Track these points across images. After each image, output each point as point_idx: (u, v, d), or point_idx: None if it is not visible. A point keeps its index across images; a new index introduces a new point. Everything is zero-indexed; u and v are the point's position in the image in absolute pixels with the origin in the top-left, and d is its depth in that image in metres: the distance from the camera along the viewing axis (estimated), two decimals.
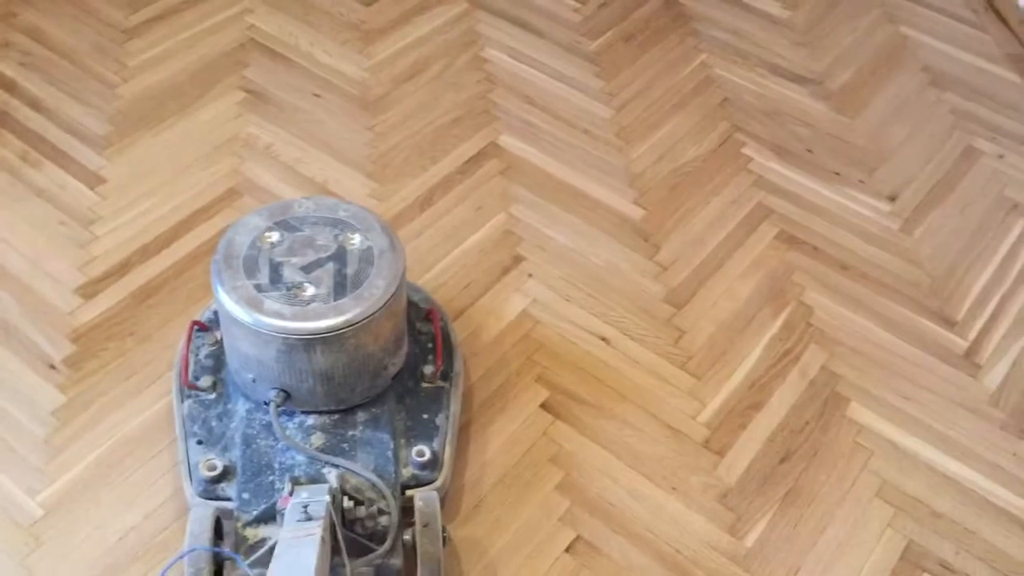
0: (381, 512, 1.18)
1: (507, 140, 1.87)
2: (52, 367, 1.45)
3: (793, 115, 1.98)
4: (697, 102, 1.99)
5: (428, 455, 1.27)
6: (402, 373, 1.35)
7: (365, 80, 1.96)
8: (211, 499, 1.23)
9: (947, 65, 2.13)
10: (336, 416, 1.29)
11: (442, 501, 1.27)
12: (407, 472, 1.26)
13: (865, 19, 2.24)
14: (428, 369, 1.36)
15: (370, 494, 1.20)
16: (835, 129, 1.96)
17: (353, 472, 1.21)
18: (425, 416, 1.32)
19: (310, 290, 1.23)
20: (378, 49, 2.03)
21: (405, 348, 1.36)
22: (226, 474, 1.25)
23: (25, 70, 1.91)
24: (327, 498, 1.09)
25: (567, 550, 1.30)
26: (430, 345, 1.40)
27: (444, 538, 1.19)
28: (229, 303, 1.22)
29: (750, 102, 2.00)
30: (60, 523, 1.28)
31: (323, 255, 1.27)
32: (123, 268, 1.59)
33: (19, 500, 1.30)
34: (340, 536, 1.11)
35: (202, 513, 1.17)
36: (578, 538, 1.31)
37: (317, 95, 1.92)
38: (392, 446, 1.26)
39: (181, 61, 1.96)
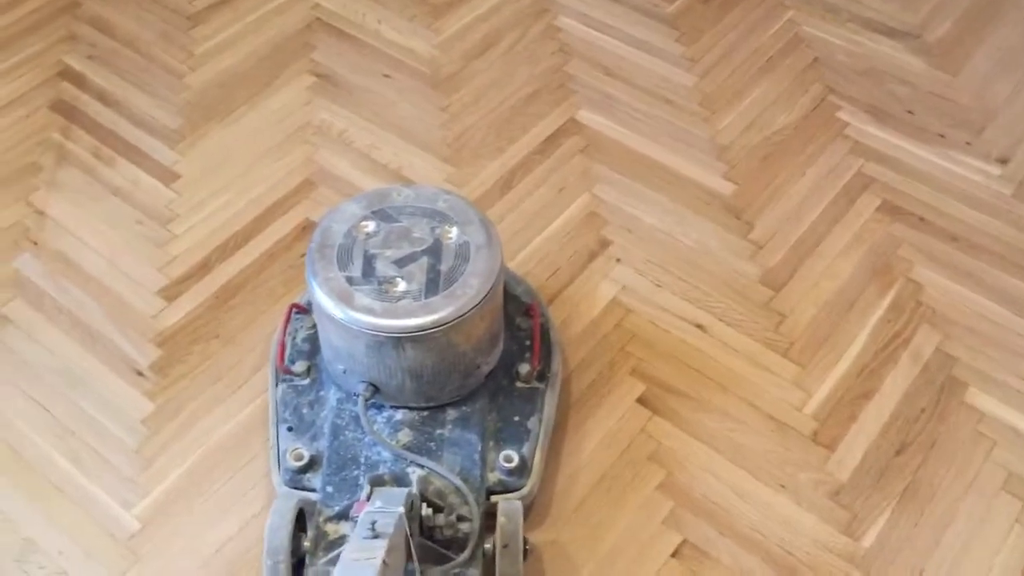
0: (461, 519, 1.14)
1: (586, 115, 1.79)
2: (139, 374, 1.43)
3: (890, 73, 1.86)
4: (785, 64, 1.88)
5: (516, 461, 1.22)
6: (496, 371, 1.30)
7: (435, 57, 1.89)
8: (297, 488, 1.22)
9: None
10: (425, 413, 1.25)
11: (528, 509, 1.22)
12: (493, 477, 1.22)
13: None
14: (524, 368, 1.31)
15: (452, 499, 1.16)
16: (936, 87, 1.83)
17: (438, 474, 1.17)
18: (517, 418, 1.27)
19: (402, 285, 1.19)
20: (447, 23, 1.95)
21: (500, 346, 1.31)
22: (313, 464, 1.23)
23: (93, 63, 1.88)
24: (400, 510, 1.04)
25: (673, 555, 1.25)
26: (528, 342, 1.34)
27: (526, 551, 1.14)
28: (320, 295, 1.19)
29: (843, 61, 1.88)
30: (156, 536, 1.27)
31: (418, 249, 1.23)
32: (203, 268, 1.56)
33: (115, 513, 1.29)
34: (413, 546, 1.08)
35: (284, 505, 1.15)
36: (684, 542, 1.26)
37: (387, 75, 1.85)
38: (480, 448, 1.22)
39: (248, 46, 1.91)
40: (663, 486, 1.31)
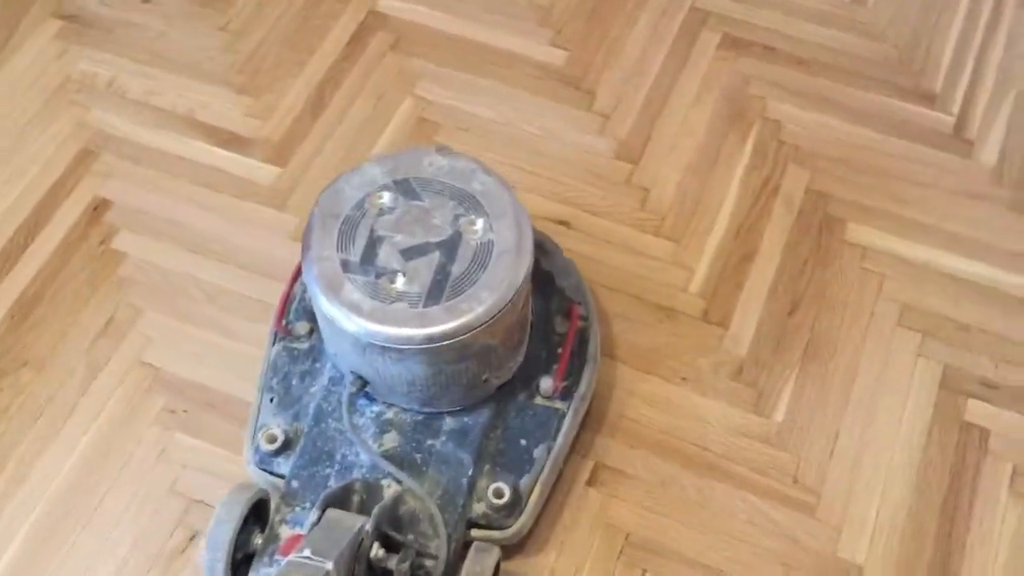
0: (424, 555, 1.00)
1: (387, 3, 1.57)
2: None
3: None
4: None
5: (507, 496, 1.05)
6: (515, 380, 1.12)
7: None
8: (266, 471, 1.10)
9: None
10: (420, 417, 1.09)
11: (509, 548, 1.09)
12: (479, 508, 1.05)
13: None
14: (546, 383, 1.11)
15: (424, 527, 1.02)
16: None
17: (414, 494, 1.03)
18: (524, 442, 1.09)
19: (400, 283, 1.00)
20: None
21: (519, 359, 1.11)
22: (288, 445, 1.10)
23: None
24: (327, 568, 0.88)
25: (589, 483, 1.16)
26: (560, 350, 1.14)
27: None
28: (309, 275, 1.02)
29: None
30: None
31: (432, 239, 1.02)
32: None
33: None
34: None
35: (236, 497, 1.02)
36: (597, 464, 1.18)
37: (146, 0, 1.58)
38: (470, 472, 1.05)
39: None
40: None
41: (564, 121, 1.44)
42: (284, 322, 1.17)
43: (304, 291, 1.19)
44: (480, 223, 1.03)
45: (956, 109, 1.44)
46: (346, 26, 1.54)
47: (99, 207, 1.38)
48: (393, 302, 0.99)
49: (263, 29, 1.55)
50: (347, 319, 0.99)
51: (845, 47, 1.51)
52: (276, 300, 1.29)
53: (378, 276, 1.01)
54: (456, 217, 1.04)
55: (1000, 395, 1.21)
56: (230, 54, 1.52)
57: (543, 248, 1.22)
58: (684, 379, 1.23)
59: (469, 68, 1.50)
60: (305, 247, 1.03)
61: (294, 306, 1.19)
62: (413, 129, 1.44)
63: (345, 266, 1.01)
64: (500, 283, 1.00)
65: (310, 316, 1.17)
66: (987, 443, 1.18)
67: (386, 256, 1.02)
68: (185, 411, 1.21)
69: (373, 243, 1.03)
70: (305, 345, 1.16)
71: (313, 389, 1.13)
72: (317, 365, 1.15)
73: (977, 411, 1.20)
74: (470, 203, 1.05)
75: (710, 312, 1.28)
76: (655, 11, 1.55)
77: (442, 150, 1.09)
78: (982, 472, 1.16)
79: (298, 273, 1.18)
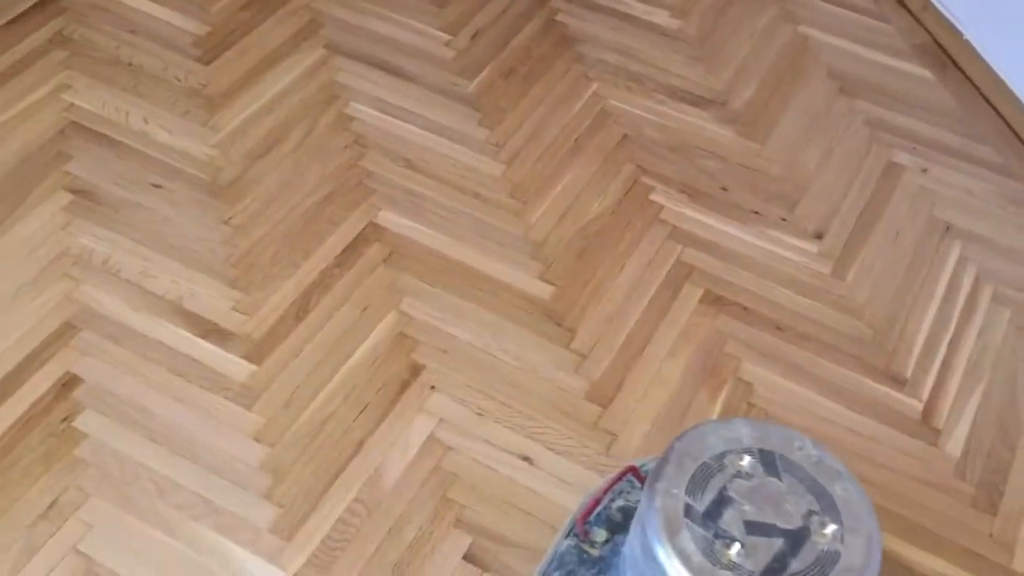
0: None
1: (387, 217, 1.63)
2: None
3: (700, 146, 1.79)
4: (595, 143, 1.79)
5: None
6: None
7: (214, 159, 1.68)
8: None
9: (853, 66, 1.97)
10: None
11: None
12: None
13: (761, 20, 2.07)
14: None
15: None
16: (746, 158, 1.78)
17: None
18: None
19: (735, 552, 0.97)
20: (226, 118, 1.75)
21: None
22: None
23: None
24: None
25: None
26: None
27: None
28: (650, 505, 1.00)
29: (652, 136, 1.81)
30: None
31: (780, 524, 1.00)
32: None
33: None
34: None
35: None
36: None
37: (158, 185, 1.64)
38: None
39: None
40: None
41: (542, 355, 1.47)
42: (585, 523, 1.15)
43: (611, 500, 1.17)
44: (832, 529, 0.99)
45: (925, 395, 1.46)
46: (345, 234, 1.60)
47: (69, 383, 1.38)
48: (723, 568, 0.96)
49: (265, 227, 1.60)
50: (671, 564, 0.96)
51: (822, 318, 1.55)
52: (224, 502, 1.27)
53: (716, 536, 0.98)
54: (809, 512, 1.00)
55: None
56: (229, 247, 1.56)
57: None
58: None
59: (456, 290, 1.54)
60: (655, 476, 1.02)
61: (598, 510, 1.16)
62: (392, 343, 1.46)
63: (687, 511, 0.99)
64: None
65: (611, 527, 1.15)
66: None
67: (730, 520, 0.99)
68: None
69: (721, 501, 1.00)
70: (596, 553, 1.13)
71: None
72: None
73: None
74: (827, 504, 1.01)
75: None
76: (643, 259, 1.61)
77: (817, 444, 1.07)
78: None
79: (616, 480, 1.17)
